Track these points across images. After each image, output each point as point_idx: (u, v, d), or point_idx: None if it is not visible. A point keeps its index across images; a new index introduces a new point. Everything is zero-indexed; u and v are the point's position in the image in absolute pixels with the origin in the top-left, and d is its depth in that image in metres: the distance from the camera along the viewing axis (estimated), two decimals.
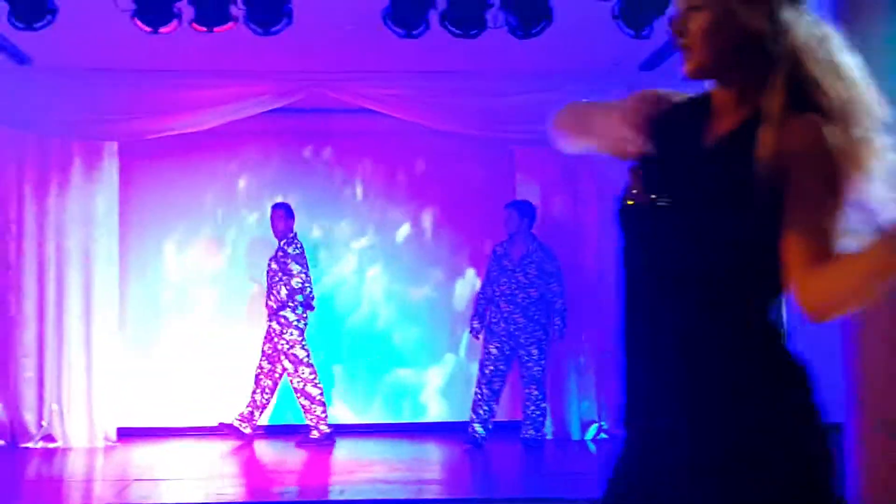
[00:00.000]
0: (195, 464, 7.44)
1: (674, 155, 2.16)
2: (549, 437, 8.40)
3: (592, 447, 8.19)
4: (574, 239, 8.63)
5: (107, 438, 8.26)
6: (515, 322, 7.85)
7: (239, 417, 8.11)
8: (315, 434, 7.96)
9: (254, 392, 8.13)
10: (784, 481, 1.99)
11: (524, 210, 8.00)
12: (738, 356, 2.04)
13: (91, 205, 8.36)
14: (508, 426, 8.18)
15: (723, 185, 2.04)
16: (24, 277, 8.26)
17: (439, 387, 8.95)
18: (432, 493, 6.44)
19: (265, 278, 8.23)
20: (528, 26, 5.75)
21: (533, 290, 7.84)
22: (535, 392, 7.89)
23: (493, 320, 7.95)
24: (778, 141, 1.98)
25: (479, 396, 7.86)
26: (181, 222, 8.83)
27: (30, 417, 8.22)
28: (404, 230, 9.09)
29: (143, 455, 7.85)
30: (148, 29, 5.66)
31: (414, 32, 5.81)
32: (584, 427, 8.50)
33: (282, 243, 8.17)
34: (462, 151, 8.90)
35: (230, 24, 5.71)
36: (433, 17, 5.75)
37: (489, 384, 7.84)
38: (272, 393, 8.20)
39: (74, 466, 7.56)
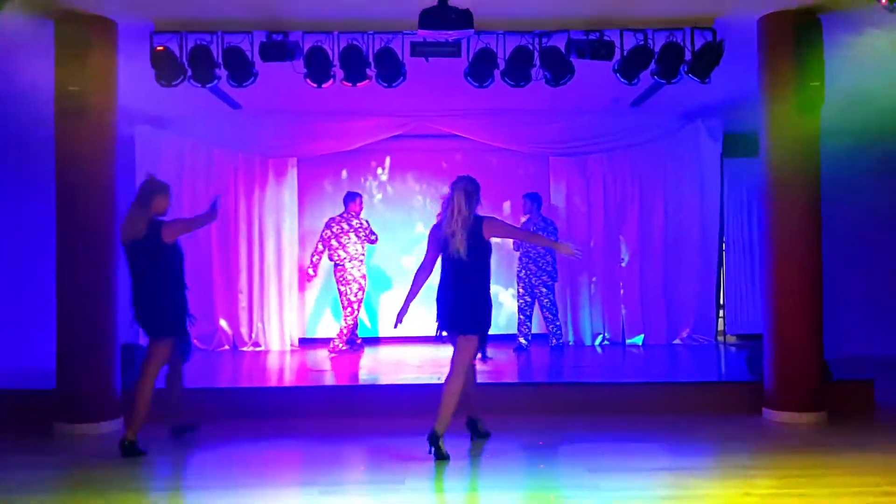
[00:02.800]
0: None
1: None
2: (570, 342, 8.45)
3: (599, 350, 8.22)
4: (587, 220, 8.59)
5: (292, 345, 8.41)
6: (530, 270, 7.74)
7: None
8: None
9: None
10: None
11: (534, 198, 7.84)
12: None
13: (280, 198, 8.47)
14: (541, 336, 8.21)
15: None
16: (240, 244, 8.39)
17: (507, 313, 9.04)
18: (498, 378, 6.50)
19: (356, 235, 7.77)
20: (558, 78, 5.72)
21: (541, 249, 7.62)
22: (549, 315, 7.76)
23: (518, 270, 7.81)
24: None
25: (520, 319, 7.85)
26: (337, 208, 8.74)
27: (244, 331, 8.42)
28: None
29: (315, 356, 7.93)
30: (314, 85, 5.73)
31: (484, 84, 5.82)
32: (594, 336, 8.53)
33: (361, 218, 7.83)
34: (512, 162, 8.89)
35: (366, 81, 5.76)
36: (496, 74, 5.76)
37: (522, 311, 7.79)
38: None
39: (273, 361, 7.66)
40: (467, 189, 4.77)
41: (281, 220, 8.50)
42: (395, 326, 4.76)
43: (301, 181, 8.72)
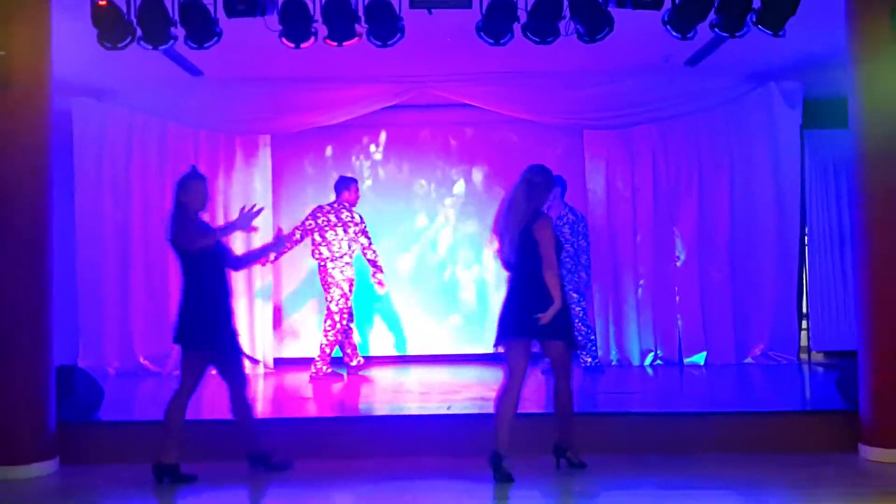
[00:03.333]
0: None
1: None
2: (613, 362, 8.43)
3: (650, 371, 8.19)
4: (632, 209, 8.59)
5: (266, 366, 8.45)
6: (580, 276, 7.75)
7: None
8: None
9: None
10: None
11: (557, 182, 7.85)
12: None
13: (249, 184, 8.53)
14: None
15: None
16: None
17: None
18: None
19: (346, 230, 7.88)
20: (593, 33, 5.70)
21: (568, 247, 7.56)
22: (582, 327, 7.69)
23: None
24: None
25: None
26: (321, 196, 8.68)
27: None
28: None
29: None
30: (291, 45, 5.74)
31: (501, 41, 5.80)
32: (643, 354, 8.51)
33: (354, 211, 7.90)
34: (537, 137, 8.88)
35: (355, 39, 5.75)
36: (516, 28, 5.75)
37: None
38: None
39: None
40: (533, 180, 5.03)
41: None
42: None
43: (276, 164, 8.77)
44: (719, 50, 7.02)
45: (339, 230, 7.77)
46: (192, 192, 5.29)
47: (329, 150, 9.07)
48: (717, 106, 8.32)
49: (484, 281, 9.10)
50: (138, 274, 8.38)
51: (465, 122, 8.98)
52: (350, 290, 7.82)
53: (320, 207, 7.89)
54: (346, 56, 6.25)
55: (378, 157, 9.13)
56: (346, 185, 7.91)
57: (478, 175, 9.14)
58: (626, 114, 8.21)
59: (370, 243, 7.87)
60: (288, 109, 8.07)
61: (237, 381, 5.36)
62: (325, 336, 7.75)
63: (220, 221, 8.42)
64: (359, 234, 7.83)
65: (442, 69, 7.80)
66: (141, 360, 8.35)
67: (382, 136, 9.12)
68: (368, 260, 7.86)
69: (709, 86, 8.14)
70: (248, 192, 8.50)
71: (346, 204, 7.86)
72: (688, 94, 8.15)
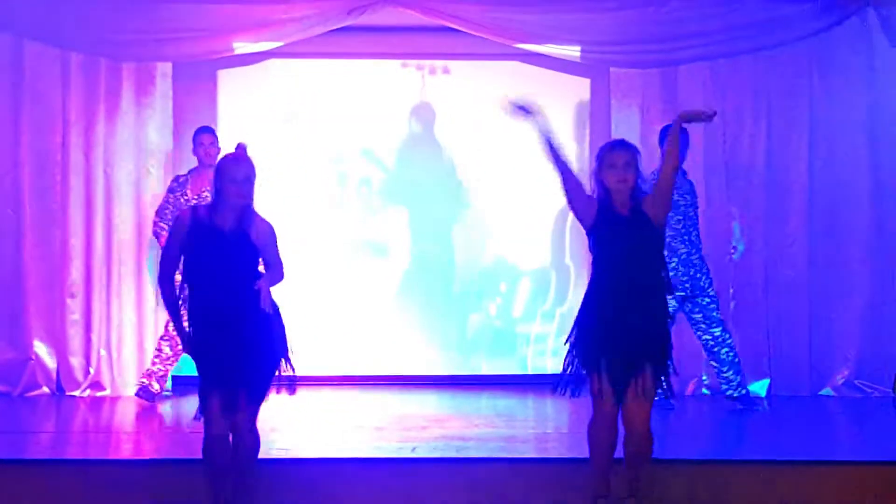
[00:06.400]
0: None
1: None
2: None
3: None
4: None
5: (161, 388, 8.23)
6: (693, 264, 7.74)
7: None
8: None
9: None
10: None
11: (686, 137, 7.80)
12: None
13: (142, 133, 8.46)
14: None
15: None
16: (71, 212, 8.39)
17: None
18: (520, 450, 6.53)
19: None
20: None
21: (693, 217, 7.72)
22: (728, 337, 7.76)
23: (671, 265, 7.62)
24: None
25: None
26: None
27: (76, 363, 8.42)
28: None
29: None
30: None
31: None
32: (684, 381, 8.44)
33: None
34: (544, 79, 8.89)
35: None
36: None
37: None
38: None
39: (125, 416, 7.71)
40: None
41: (142, 171, 8.51)
42: None
43: (178, 104, 8.72)
44: None
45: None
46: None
47: None
48: (794, 41, 8.32)
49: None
50: None
51: (443, 53, 8.97)
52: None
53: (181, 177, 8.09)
54: None
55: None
56: (198, 137, 8.01)
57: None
58: (668, 48, 8.26)
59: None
60: (197, 29, 8.03)
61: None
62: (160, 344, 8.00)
63: (100, 182, 8.40)
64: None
65: None
66: None
67: (323, 69, 9.14)
68: None
69: (782, 11, 8.14)
70: (140, 144, 8.45)
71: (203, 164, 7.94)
72: (754, 22, 8.15)
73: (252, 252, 5.02)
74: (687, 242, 7.69)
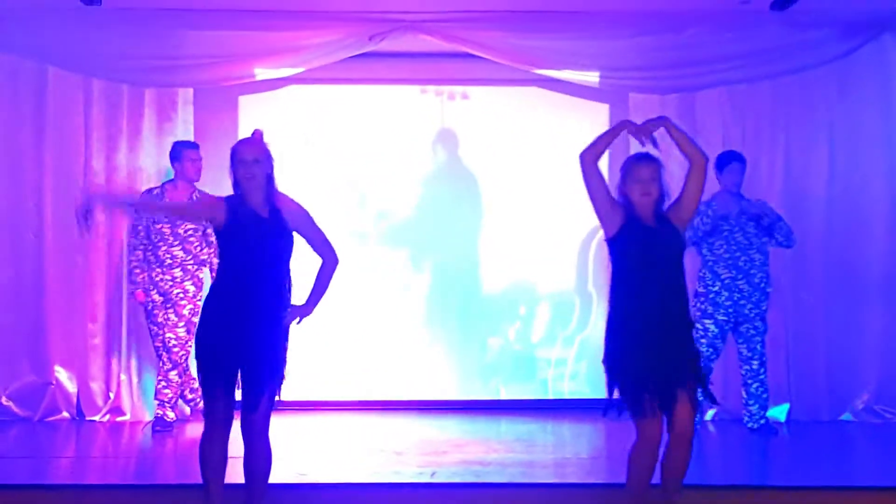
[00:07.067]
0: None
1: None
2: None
3: (711, 428, 8.20)
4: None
5: (180, 413, 8.33)
6: (738, 289, 7.76)
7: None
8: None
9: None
10: None
11: (743, 161, 7.87)
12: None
13: (164, 159, 8.39)
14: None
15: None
16: (92, 238, 8.30)
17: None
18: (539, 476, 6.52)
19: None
20: None
21: (754, 253, 7.76)
22: (763, 372, 7.82)
23: (707, 281, 7.82)
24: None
25: None
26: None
27: (97, 388, 8.43)
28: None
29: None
30: None
31: None
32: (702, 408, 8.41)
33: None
34: (563, 104, 8.95)
35: None
36: None
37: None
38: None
39: (145, 441, 7.70)
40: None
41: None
42: None
43: (200, 128, 8.74)
44: None
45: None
46: None
47: None
48: (813, 66, 8.32)
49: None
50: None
51: (459, 79, 8.99)
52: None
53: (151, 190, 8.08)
54: None
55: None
56: (177, 153, 7.97)
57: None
58: (687, 74, 8.26)
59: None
60: (219, 55, 8.07)
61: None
62: (162, 373, 7.97)
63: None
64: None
65: (434, 4, 7.84)
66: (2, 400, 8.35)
67: (345, 95, 9.13)
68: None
69: (800, 38, 8.14)
70: (162, 169, 8.46)
71: (186, 179, 7.95)
72: (773, 48, 8.15)
73: (288, 238, 5.05)
74: (732, 267, 7.71)
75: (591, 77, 8.32)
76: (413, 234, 9.16)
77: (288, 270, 5.05)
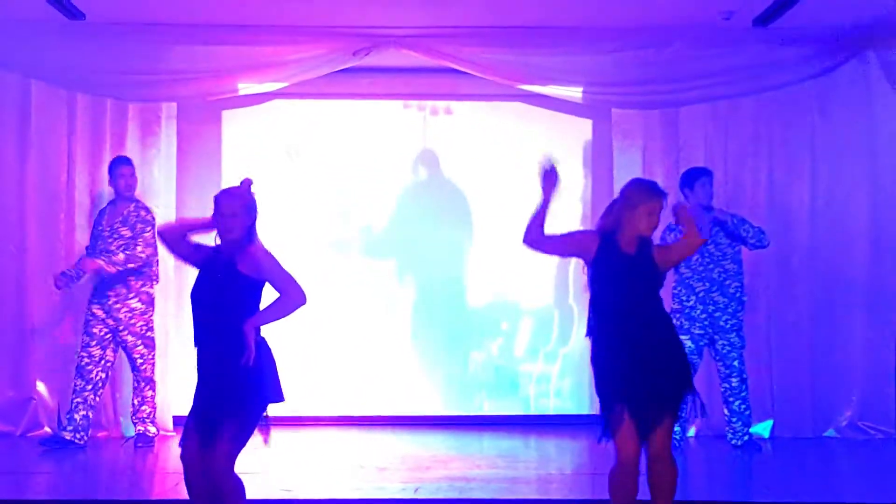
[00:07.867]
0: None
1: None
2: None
3: (692, 443, 8.18)
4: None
5: (162, 427, 8.32)
6: (713, 301, 7.80)
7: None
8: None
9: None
10: None
11: (711, 174, 7.88)
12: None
13: (147, 173, 8.44)
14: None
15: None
16: (76, 252, 8.30)
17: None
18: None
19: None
20: None
21: (728, 263, 7.80)
22: (744, 389, 7.83)
23: (680, 295, 7.84)
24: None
25: None
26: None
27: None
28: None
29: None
30: None
31: None
32: (683, 424, 8.36)
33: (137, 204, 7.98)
34: (546, 119, 8.98)
35: None
36: None
37: None
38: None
39: (125, 457, 7.70)
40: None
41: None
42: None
43: (182, 144, 8.75)
44: (798, 5, 7.08)
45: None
46: None
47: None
48: (794, 82, 8.34)
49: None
50: None
51: (441, 93, 9.02)
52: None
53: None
54: None
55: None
56: (115, 168, 7.96)
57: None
58: (670, 90, 8.28)
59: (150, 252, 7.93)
60: (202, 70, 8.10)
61: None
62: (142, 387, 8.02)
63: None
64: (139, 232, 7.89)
65: (415, 20, 7.84)
66: None
67: (328, 111, 9.17)
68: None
69: (783, 55, 8.17)
70: (145, 183, 8.42)
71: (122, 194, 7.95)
72: (756, 64, 8.18)
73: (242, 287, 4.87)
74: (706, 279, 7.75)
75: (575, 92, 8.34)
76: (396, 248, 9.18)
77: (248, 312, 4.84)
